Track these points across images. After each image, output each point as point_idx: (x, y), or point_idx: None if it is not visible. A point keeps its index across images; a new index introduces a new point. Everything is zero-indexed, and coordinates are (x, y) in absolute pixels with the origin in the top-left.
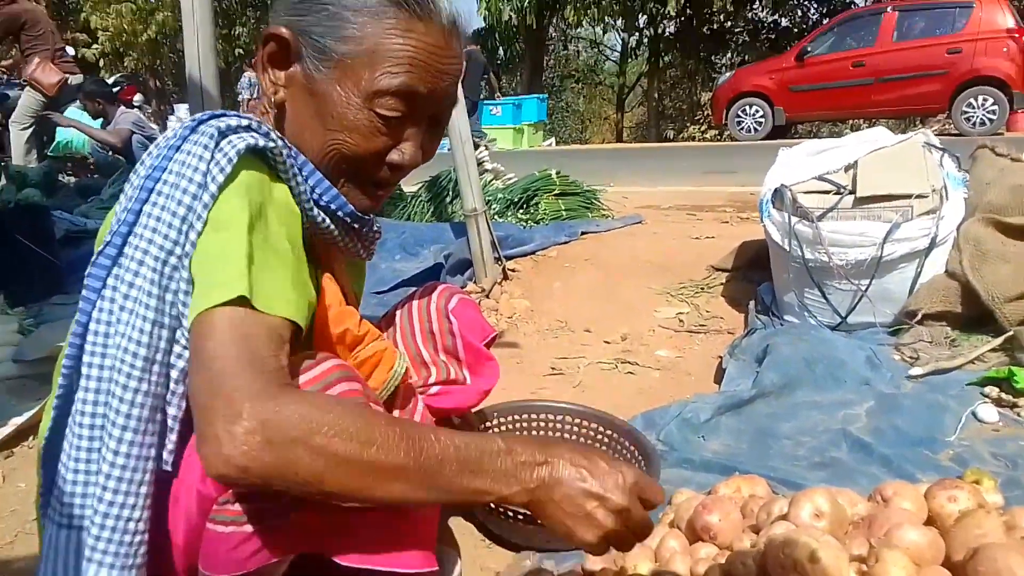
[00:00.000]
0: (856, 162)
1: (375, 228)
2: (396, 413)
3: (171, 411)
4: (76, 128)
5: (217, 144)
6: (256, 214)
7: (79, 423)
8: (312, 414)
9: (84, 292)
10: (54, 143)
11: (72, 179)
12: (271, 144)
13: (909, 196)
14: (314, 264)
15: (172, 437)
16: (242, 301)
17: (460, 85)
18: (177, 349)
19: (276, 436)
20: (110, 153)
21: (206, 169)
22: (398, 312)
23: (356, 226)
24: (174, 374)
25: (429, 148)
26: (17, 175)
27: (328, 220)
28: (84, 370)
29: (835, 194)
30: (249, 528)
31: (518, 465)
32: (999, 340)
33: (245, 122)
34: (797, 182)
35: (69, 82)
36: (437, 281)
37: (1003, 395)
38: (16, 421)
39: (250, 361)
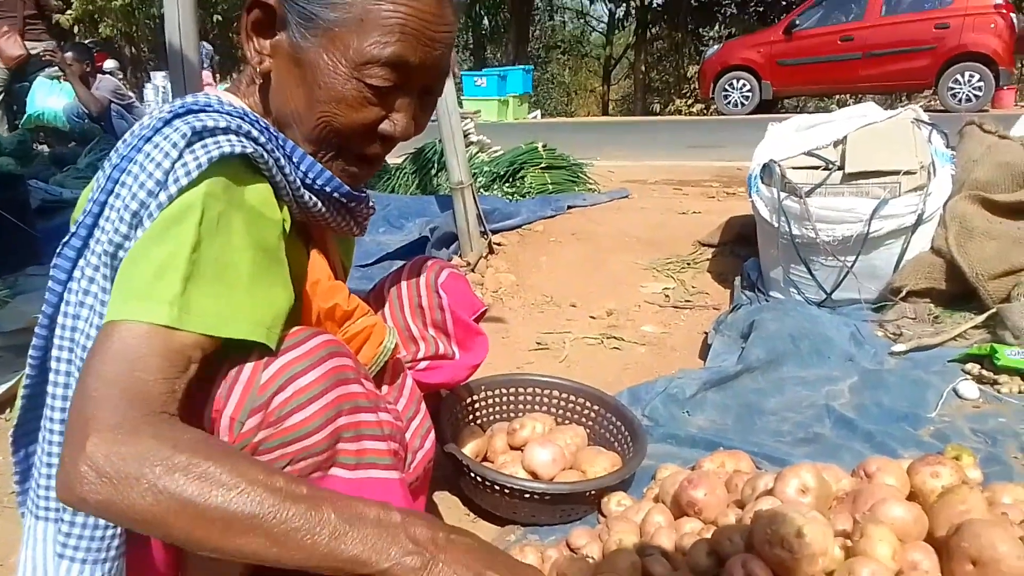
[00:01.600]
0: (845, 137)
1: (370, 204)
2: (385, 389)
3: None
4: (69, 79)
5: (188, 144)
6: (211, 225)
7: (51, 418)
8: (159, 451)
9: (50, 283)
10: (25, 116)
11: (46, 148)
12: (248, 150)
13: (897, 172)
14: (304, 241)
15: None
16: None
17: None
18: None
19: (112, 472)
20: (86, 121)
21: (170, 167)
22: (387, 286)
23: (352, 205)
24: None
25: (421, 119)
26: None
27: (320, 204)
28: (53, 364)
29: (824, 170)
30: None
31: (407, 537)
32: (982, 317)
33: (223, 123)
34: (786, 157)
35: (34, 54)
36: (426, 255)
37: (984, 372)
38: None
39: (123, 387)
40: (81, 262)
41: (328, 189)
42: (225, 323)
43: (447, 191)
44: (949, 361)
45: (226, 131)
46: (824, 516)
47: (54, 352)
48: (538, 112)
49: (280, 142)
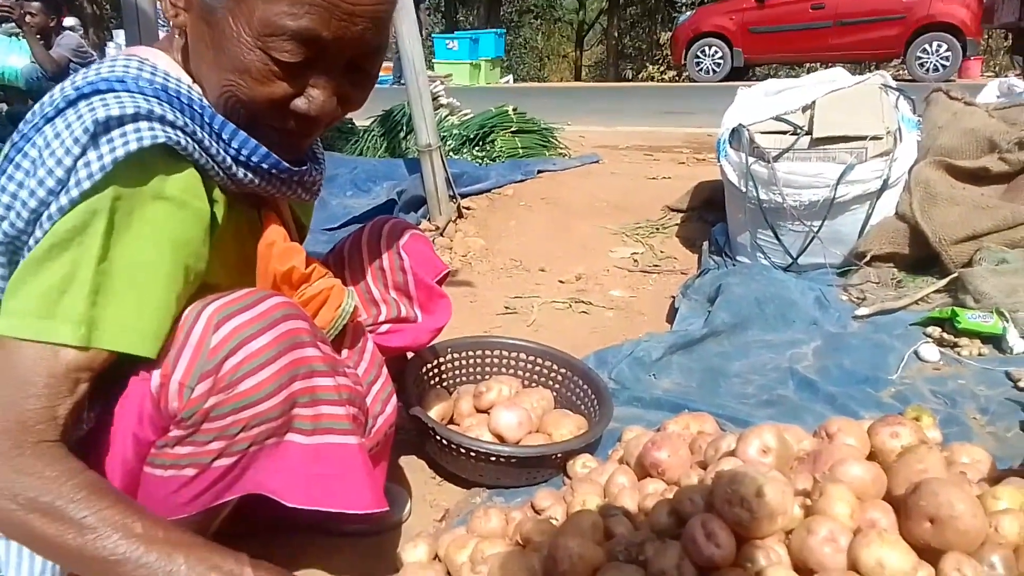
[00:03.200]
0: (814, 103)
1: (315, 171)
2: (344, 353)
3: None
4: (26, 36)
5: (93, 137)
6: (121, 228)
7: None
8: (22, 487)
9: None
10: None
11: (5, 107)
12: (160, 139)
13: (864, 138)
14: (255, 204)
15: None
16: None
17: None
18: None
19: None
20: (43, 80)
21: (71, 165)
22: (347, 248)
23: (295, 178)
24: None
25: (353, 96)
26: None
27: (256, 178)
28: None
29: (792, 135)
30: (190, 472)
31: None
32: (943, 282)
33: (131, 108)
34: (755, 122)
35: None
36: (388, 215)
37: (945, 335)
38: None
39: (11, 416)
40: None
41: (265, 166)
42: (138, 337)
43: (416, 154)
44: (911, 324)
45: (135, 118)
46: (785, 476)
47: None
48: (510, 77)
49: (207, 118)
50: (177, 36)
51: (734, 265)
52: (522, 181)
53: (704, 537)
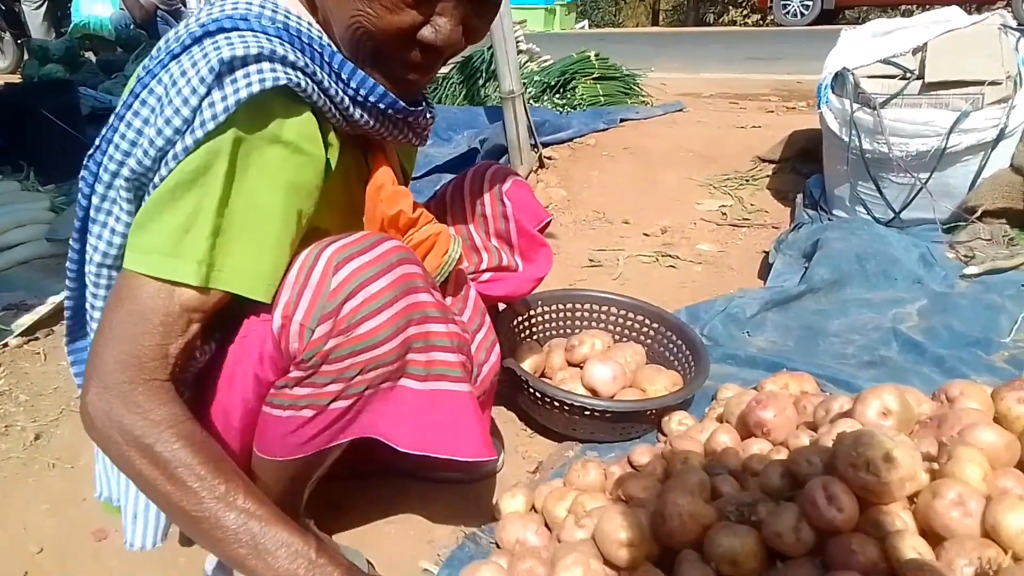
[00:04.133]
0: (926, 44)
1: (428, 115)
2: (448, 300)
3: None
4: None
5: (218, 77)
6: (242, 171)
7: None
8: (131, 423)
9: (79, 196)
10: (72, 25)
11: (93, 56)
12: (282, 81)
13: (981, 83)
14: (363, 149)
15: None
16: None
17: None
18: None
19: (97, 424)
20: (132, 27)
21: (197, 105)
22: (448, 193)
23: (410, 118)
24: None
25: (477, 27)
26: (39, 49)
27: (371, 119)
28: (91, 279)
29: (901, 79)
30: (307, 413)
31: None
32: None
33: (255, 49)
34: (860, 65)
35: None
36: (489, 161)
37: None
38: (54, 299)
39: (122, 350)
40: (97, 183)
41: (382, 106)
42: (253, 281)
43: (496, 102)
44: None
45: (259, 59)
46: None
47: (88, 267)
48: (585, 22)
49: (326, 57)
50: None
51: (830, 219)
52: (604, 130)
53: (825, 500)
